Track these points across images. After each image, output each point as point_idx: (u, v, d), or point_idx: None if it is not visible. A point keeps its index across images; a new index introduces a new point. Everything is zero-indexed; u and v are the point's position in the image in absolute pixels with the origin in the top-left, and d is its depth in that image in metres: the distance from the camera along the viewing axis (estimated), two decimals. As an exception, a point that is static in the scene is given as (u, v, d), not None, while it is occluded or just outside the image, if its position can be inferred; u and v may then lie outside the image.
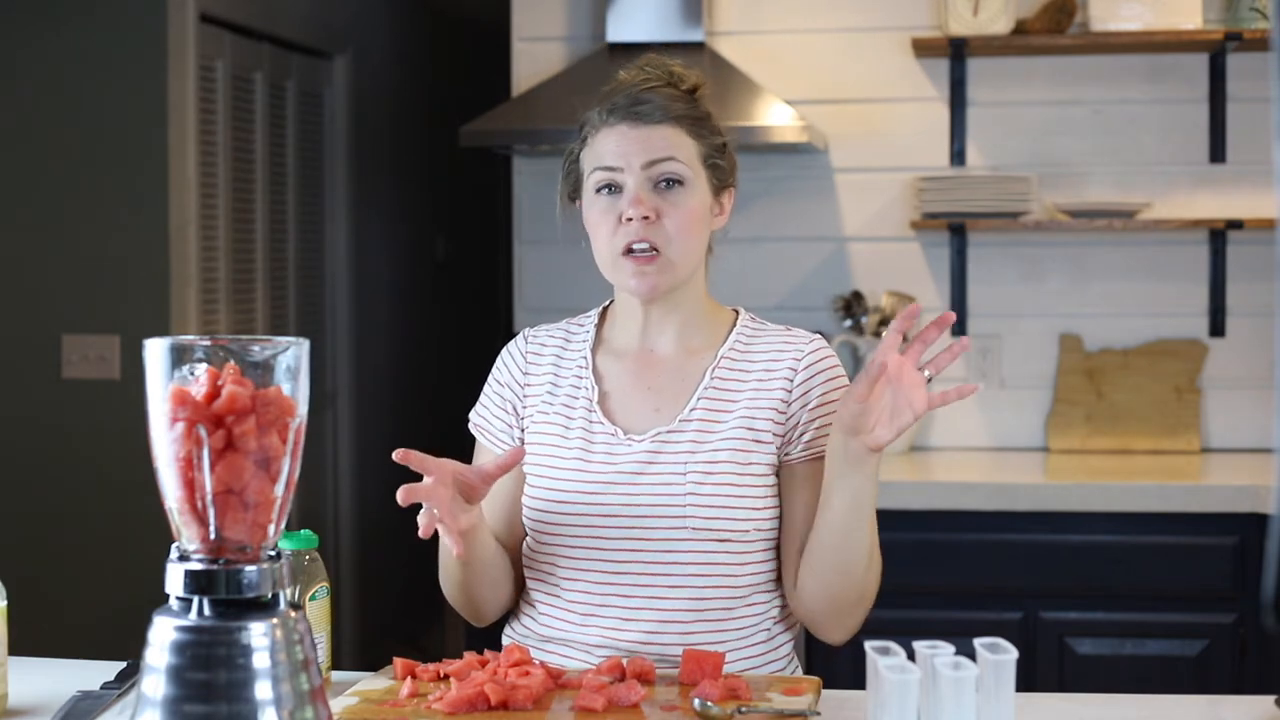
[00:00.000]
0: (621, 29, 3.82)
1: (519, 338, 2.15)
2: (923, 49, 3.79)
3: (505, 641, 2.07)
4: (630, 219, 1.97)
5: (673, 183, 1.99)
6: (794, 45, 3.94)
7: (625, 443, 2.01)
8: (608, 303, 2.14)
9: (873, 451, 1.85)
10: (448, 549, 2.00)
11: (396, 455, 1.83)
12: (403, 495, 1.83)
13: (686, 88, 2.06)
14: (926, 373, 1.86)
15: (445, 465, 1.86)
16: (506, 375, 2.12)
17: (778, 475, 2.01)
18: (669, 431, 2.00)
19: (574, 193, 2.08)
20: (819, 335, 2.10)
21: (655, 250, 1.98)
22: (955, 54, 3.78)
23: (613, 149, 2.00)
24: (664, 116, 2.00)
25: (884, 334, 1.87)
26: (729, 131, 2.11)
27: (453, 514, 1.86)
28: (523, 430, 2.09)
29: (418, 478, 1.86)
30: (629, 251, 1.98)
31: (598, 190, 2.01)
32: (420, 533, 1.87)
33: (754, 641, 2.00)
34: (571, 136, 2.10)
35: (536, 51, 4.04)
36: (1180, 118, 3.83)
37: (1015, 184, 3.71)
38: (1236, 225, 3.69)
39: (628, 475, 1.99)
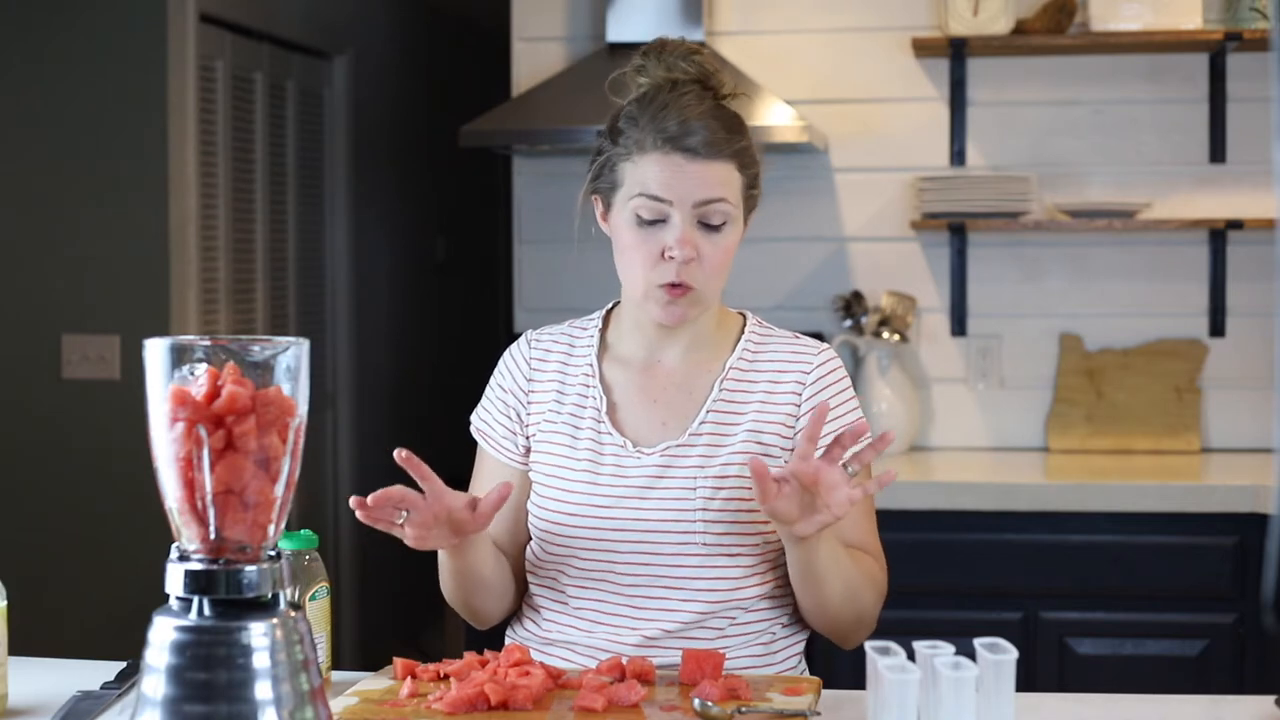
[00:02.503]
0: (621, 29, 3.82)
1: (521, 341, 2.12)
2: (923, 49, 3.79)
3: (508, 643, 2.06)
4: (673, 257, 1.93)
5: (718, 223, 1.95)
6: (794, 45, 3.94)
7: (634, 455, 1.99)
8: (611, 305, 2.12)
9: (801, 539, 1.85)
10: (441, 567, 2.00)
11: (399, 455, 1.82)
12: (383, 494, 1.81)
13: (725, 93, 2.00)
14: (850, 469, 1.81)
15: (444, 497, 1.83)
16: (510, 380, 2.09)
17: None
18: (679, 446, 1.99)
19: (599, 193, 2.02)
20: (827, 345, 2.08)
21: (690, 287, 1.95)
22: (955, 54, 3.78)
23: (665, 180, 1.93)
24: (718, 153, 1.93)
25: (799, 443, 1.84)
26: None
27: (423, 539, 1.85)
28: (528, 437, 2.07)
29: (413, 479, 1.84)
30: (664, 285, 1.94)
31: (638, 216, 1.95)
32: (360, 515, 1.83)
33: (756, 643, 2.00)
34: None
35: (536, 51, 4.03)
36: (1180, 118, 3.83)
37: (1015, 184, 3.71)
38: (1236, 225, 3.69)
39: (638, 489, 1.98)
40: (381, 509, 1.82)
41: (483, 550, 1.97)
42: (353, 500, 1.82)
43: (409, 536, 1.85)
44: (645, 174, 1.94)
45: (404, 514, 1.83)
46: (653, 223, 1.94)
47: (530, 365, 2.09)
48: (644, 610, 1.96)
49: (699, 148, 1.93)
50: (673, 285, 1.94)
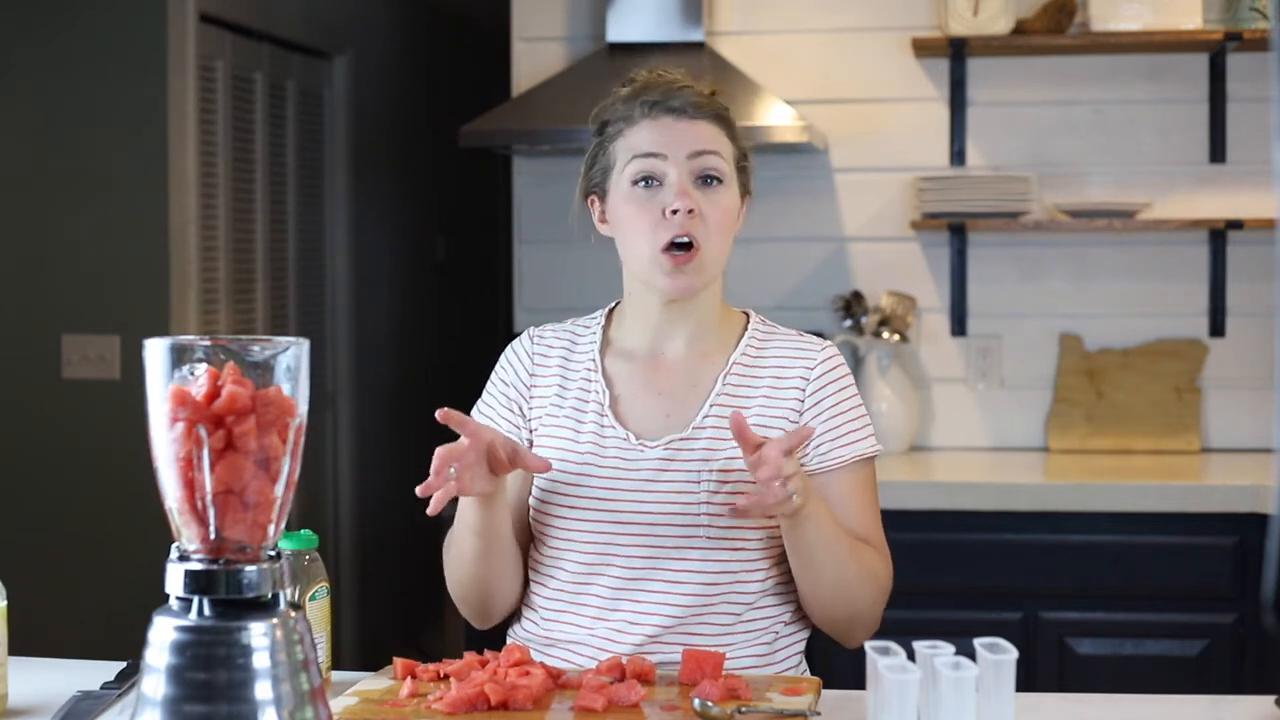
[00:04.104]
0: (621, 29, 3.82)
1: (524, 337, 2.12)
2: (923, 49, 3.79)
3: (509, 643, 2.06)
4: (675, 211, 1.94)
5: (713, 179, 1.98)
6: (794, 45, 3.94)
7: (638, 448, 2.00)
8: (614, 304, 2.13)
9: (788, 516, 1.86)
10: (458, 535, 1.99)
11: (439, 415, 1.84)
12: (438, 458, 1.82)
13: (709, 92, 2.04)
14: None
15: (483, 433, 1.87)
16: (512, 375, 2.10)
17: None
18: (682, 439, 1.99)
19: (594, 188, 2.05)
20: (830, 343, 2.09)
21: (694, 246, 1.95)
22: (955, 54, 3.78)
23: (656, 138, 1.97)
24: (705, 113, 1.99)
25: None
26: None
27: (470, 480, 1.86)
28: (531, 431, 2.07)
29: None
30: (669, 248, 1.95)
31: (635, 181, 1.98)
32: (430, 509, 1.84)
33: (759, 642, 2.00)
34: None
35: (536, 51, 4.03)
36: (1180, 118, 3.83)
37: (1015, 184, 3.71)
38: (1236, 225, 3.69)
39: (641, 482, 1.98)
40: (442, 477, 1.83)
41: (505, 509, 1.98)
42: (420, 489, 1.83)
43: (455, 487, 1.85)
44: (637, 140, 1.99)
45: (453, 471, 1.84)
46: (648, 186, 1.97)
47: (533, 360, 2.09)
48: (645, 604, 1.96)
49: (685, 107, 1.99)
50: (676, 247, 1.95)
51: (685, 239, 1.95)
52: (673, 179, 1.96)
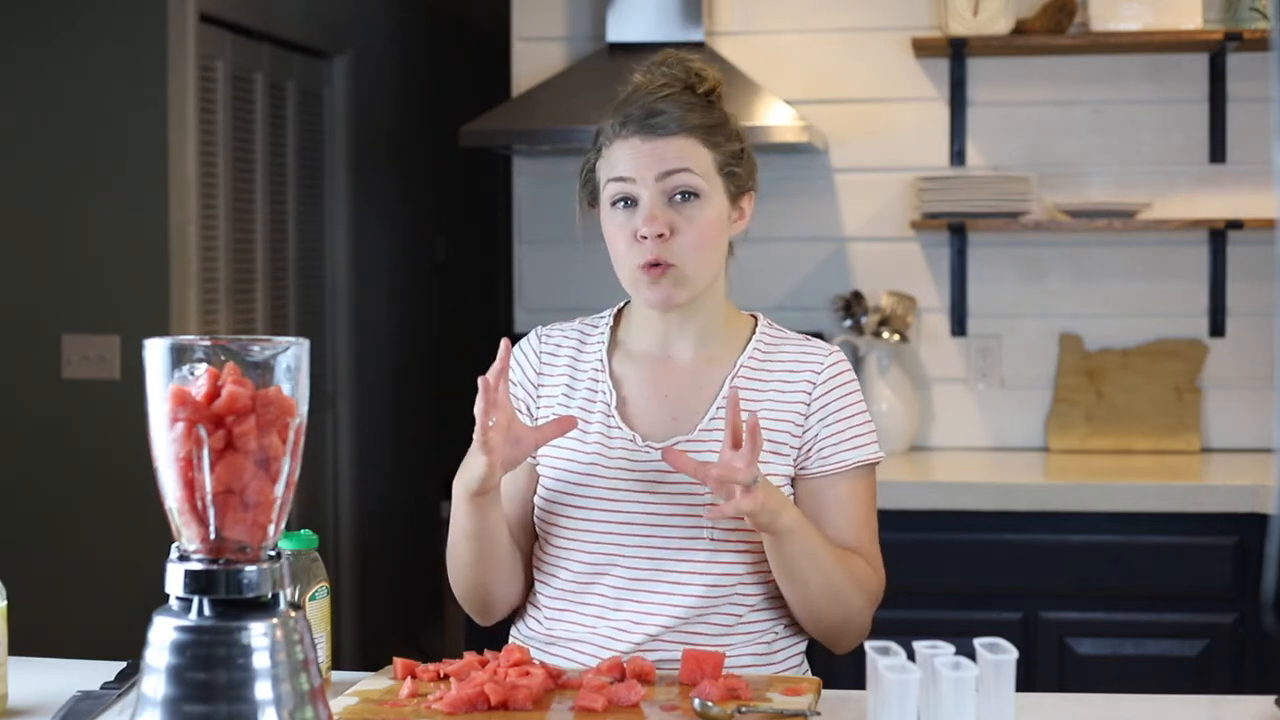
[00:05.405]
0: (621, 29, 3.82)
1: (531, 336, 2.12)
2: (923, 49, 3.79)
3: (510, 643, 2.06)
4: (644, 237, 1.95)
5: (688, 195, 1.96)
6: (794, 45, 3.94)
7: (644, 450, 1.99)
8: (622, 304, 2.13)
9: (749, 514, 1.85)
10: (453, 540, 1.99)
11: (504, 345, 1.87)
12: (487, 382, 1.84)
13: (705, 89, 2.02)
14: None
15: (507, 407, 1.87)
16: (520, 374, 2.09)
17: (794, 486, 2.01)
18: (688, 441, 1.99)
19: (592, 200, 2.06)
20: (837, 349, 2.09)
21: (670, 265, 1.95)
22: (955, 54, 3.78)
23: (627, 162, 1.97)
24: (678, 128, 1.97)
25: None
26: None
27: (498, 444, 1.86)
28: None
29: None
30: (644, 266, 1.96)
31: (613, 203, 1.99)
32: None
33: (758, 643, 1.99)
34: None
35: (536, 51, 4.04)
36: (1180, 118, 3.83)
37: (1015, 184, 3.71)
38: (1236, 225, 3.69)
39: (646, 484, 1.98)
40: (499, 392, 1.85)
41: (499, 512, 1.97)
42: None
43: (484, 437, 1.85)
44: (612, 162, 1.99)
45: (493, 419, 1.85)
46: (626, 207, 1.98)
47: (540, 360, 2.09)
48: (648, 605, 1.96)
49: (656, 126, 1.97)
50: (652, 265, 1.95)
51: (657, 263, 1.95)
52: (645, 201, 1.96)
